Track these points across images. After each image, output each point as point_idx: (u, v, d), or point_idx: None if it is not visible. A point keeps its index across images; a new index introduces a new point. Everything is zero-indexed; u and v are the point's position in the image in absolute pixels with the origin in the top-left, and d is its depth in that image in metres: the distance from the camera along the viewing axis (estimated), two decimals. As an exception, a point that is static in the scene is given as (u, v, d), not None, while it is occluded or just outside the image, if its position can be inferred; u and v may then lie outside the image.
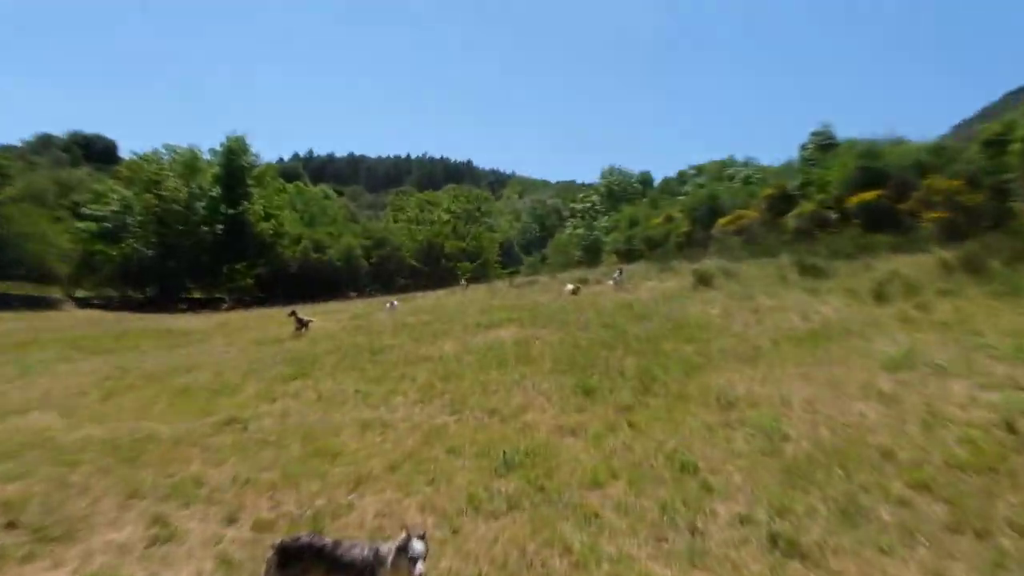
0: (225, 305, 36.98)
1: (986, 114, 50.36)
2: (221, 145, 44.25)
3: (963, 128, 43.85)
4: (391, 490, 6.49)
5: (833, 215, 23.21)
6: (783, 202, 26.75)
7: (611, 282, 21.43)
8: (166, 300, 38.32)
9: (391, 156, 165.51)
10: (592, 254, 46.64)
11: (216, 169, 43.64)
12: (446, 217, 65.30)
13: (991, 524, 5.15)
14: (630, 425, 7.84)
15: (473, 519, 5.83)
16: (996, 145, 20.31)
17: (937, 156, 21.93)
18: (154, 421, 9.40)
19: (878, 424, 7.08)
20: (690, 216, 33.15)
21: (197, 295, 42.47)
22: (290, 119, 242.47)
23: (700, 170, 53.52)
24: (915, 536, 5.13)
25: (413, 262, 51.57)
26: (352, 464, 7.19)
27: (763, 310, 13.43)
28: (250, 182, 44.50)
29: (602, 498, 6.09)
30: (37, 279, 36.52)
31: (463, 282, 34.22)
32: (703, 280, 17.98)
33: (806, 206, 24.87)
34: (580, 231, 55.48)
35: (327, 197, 71.29)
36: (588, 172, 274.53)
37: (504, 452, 7.13)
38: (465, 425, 8.41)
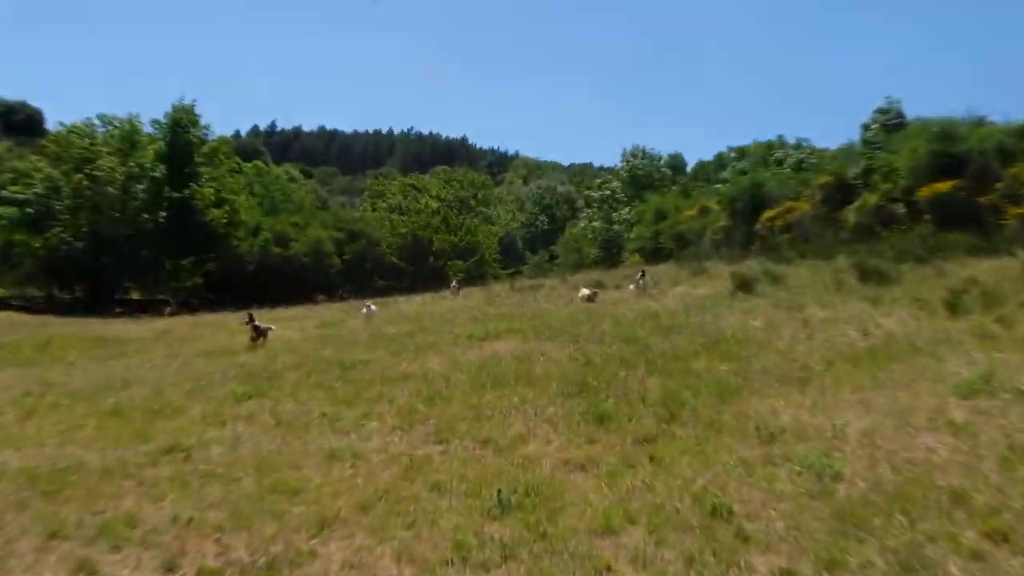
0: (168, 309, 37.02)
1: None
2: (165, 116, 44.43)
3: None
4: (361, 535, 6.49)
5: (900, 209, 23.26)
6: (841, 192, 26.79)
7: (632, 287, 21.45)
8: (98, 302, 38.47)
9: (370, 131, 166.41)
10: (611, 253, 46.79)
11: (159, 145, 43.83)
12: (435, 205, 65.61)
13: (1082, 583, 5.14)
14: (651, 459, 7.85)
15: (460, 571, 5.83)
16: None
17: (1024, 140, 21.99)
18: (81, 447, 9.41)
19: (948, 461, 7.07)
20: (729, 208, 33.20)
21: (135, 296, 42.65)
22: (249, 85, 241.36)
23: (742, 153, 53.64)
24: (991, 597, 5.12)
25: (394, 259, 51.68)
26: (315, 503, 7.19)
27: (814, 323, 13.41)
28: (199, 160, 44.68)
29: (616, 547, 6.08)
30: (-58, 275, 36.74)
31: (454, 284, 34.21)
32: (743, 286, 18.00)
33: (868, 198, 24.91)
34: (597, 224, 55.64)
35: (292, 180, 71.75)
36: (607, 153, 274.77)
37: (499, 490, 7.12)
38: (453, 457, 8.41)
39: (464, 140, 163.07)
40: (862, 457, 7.36)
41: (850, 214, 25.30)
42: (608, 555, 5.95)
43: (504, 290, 28.19)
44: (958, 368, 9.59)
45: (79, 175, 40.54)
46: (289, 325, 21.62)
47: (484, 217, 72.42)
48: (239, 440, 9.54)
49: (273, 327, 19.48)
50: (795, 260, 21.11)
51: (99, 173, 40.77)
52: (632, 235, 45.13)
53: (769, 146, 50.39)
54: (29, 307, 35.72)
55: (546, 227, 79.00)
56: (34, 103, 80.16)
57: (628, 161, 62.38)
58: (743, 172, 43.06)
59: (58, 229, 39.64)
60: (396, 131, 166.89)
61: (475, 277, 46.69)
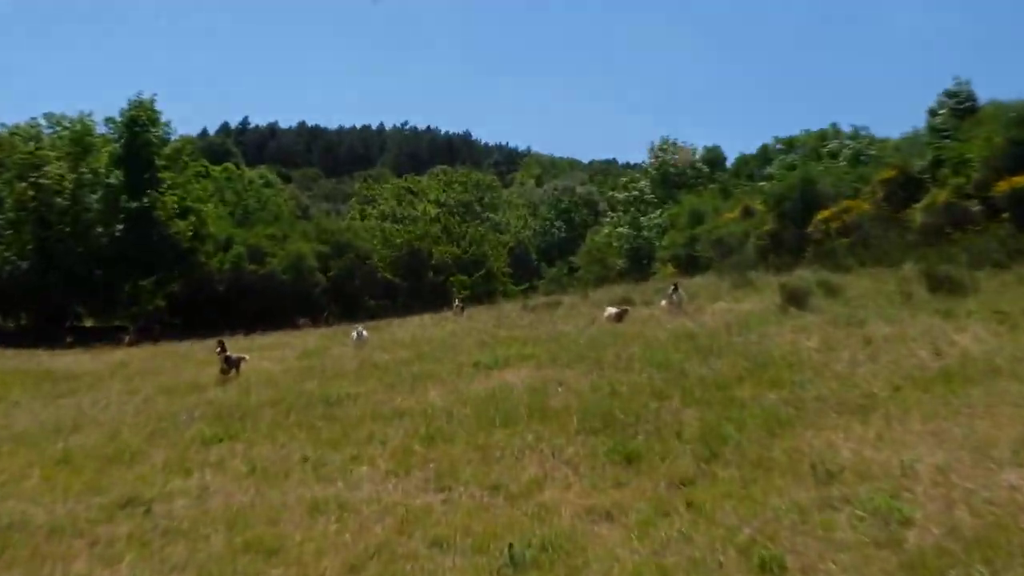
0: (127, 338, 37.16)
1: None
2: (121, 113, 44.64)
3: None
4: (351, 599, 6.49)
5: (974, 207, 23.18)
6: (906, 189, 26.76)
7: (665, 303, 21.43)
8: (47, 331, 38.63)
9: (357, 126, 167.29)
10: (639, 263, 46.79)
11: (114, 147, 44.18)
12: (434, 212, 65.84)
13: None
14: (689, 506, 7.82)
15: (466, 641, 5.82)
16: None
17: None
18: (25, 501, 9.43)
19: (1038, 503, 7.02)
20: (776, 209, 33.19)
21: (89, 324, 42.85)
22: (218, 77, 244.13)
23: (790, 144, 53.71)
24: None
25: (388, 275, 51.83)
26: (296, 563, 7.19)
27: (878, 341, 13.37)
28: (160, 164, 44.93)
29: (648, 610, 6.07)
30: None
31: (457, 303, 34.33)
32: (794, 299, 17.97)
33: (938, 195, 24.87)
34: (622, 230, 55.68)
35: (268, 184, 72.30)
36: (633, 148, 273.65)
37: (510, 545, 7.11)
38: (456, 507, 8.40)
39: (467, 135, 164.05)
40: (935, 498, 7.31)
41: (917, 214, 25.25)
42: (639, 620, 5.94)
43: (516, 309, 28.22)
44: (1047, 393, 9.53)
45: (23, 184, 40.85)
46: (266, 354, 21.69)
47: (491, 224, 72.50)
48: (207, 491, 9.55)
49: (247, 356, 19.54)
50: (854, 268, 21.11)
51: (46, 181, 41.04)
52: (664, 242, 45.16)
53: (821, 136, 50.44)
54: (-34, 338, 35.99)
55: (564, 235, 79.18)
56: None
57: (658, 156, 62.51)
58: (792, 167, 43.11)
59: (-1, 247, 40.01)
60: (388, 126, 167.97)
61: (482, 294, 46.87)
